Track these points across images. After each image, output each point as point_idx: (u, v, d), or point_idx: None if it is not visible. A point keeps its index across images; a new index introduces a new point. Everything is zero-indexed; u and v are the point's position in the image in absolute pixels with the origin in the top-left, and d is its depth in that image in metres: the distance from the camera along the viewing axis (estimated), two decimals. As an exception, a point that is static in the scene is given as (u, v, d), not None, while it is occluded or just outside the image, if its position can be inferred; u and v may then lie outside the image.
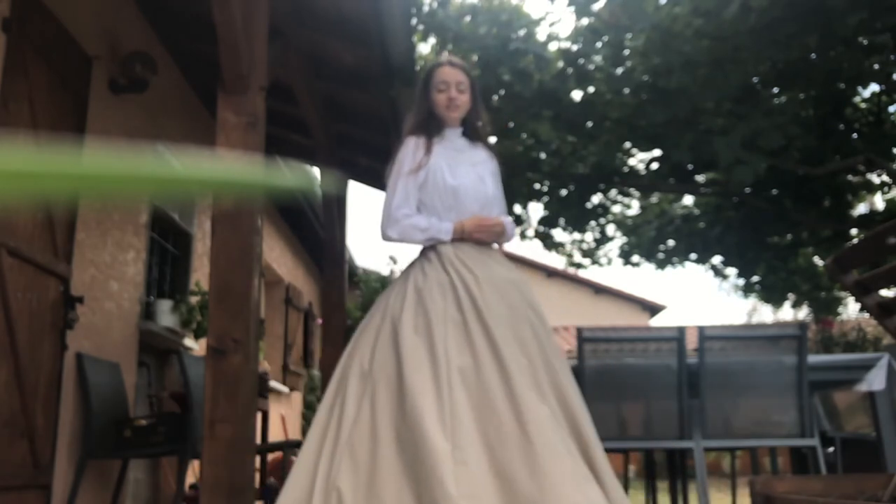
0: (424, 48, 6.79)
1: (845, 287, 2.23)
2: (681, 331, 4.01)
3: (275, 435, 7.00)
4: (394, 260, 9.86)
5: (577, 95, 6.68)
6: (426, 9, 6.33)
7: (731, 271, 8.83)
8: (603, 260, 8.98)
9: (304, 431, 8.52)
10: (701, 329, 4.04)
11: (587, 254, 8.92)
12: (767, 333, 4.61)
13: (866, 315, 7.61)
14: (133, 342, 4.59)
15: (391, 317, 2.31)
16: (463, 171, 2.52)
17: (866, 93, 7.16)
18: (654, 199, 8.76)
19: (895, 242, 1.93)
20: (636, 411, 4.26)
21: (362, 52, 4.12)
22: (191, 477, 4.59)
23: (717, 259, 8.52)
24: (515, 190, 7.25)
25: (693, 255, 8.40)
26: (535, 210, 11.02)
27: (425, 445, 1.97)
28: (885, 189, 7.61)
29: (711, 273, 8.88)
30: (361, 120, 5.07)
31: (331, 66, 4.46)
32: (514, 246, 24.08)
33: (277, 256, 8.08)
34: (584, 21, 6.35)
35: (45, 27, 3.55)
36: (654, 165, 7.37)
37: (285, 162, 5.65)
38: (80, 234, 3.90)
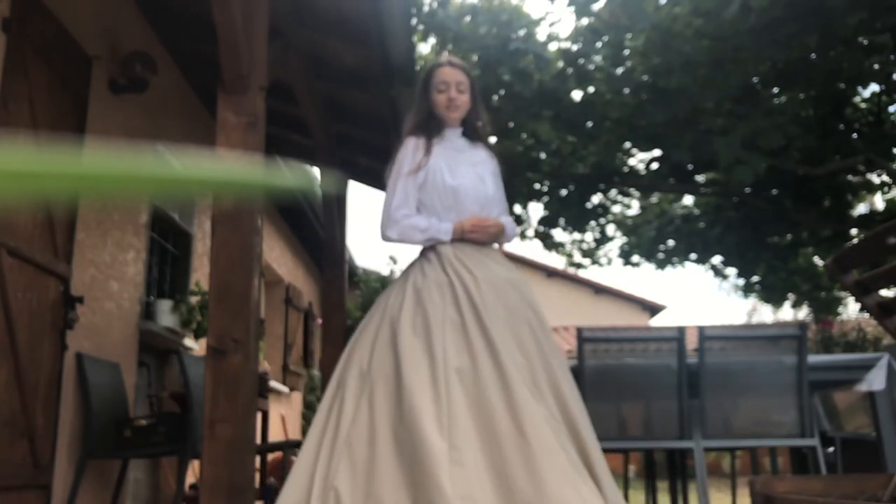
0: (424, 48, 6.79)
1: (845, 287, 2.23)
2: (681, 331, 4.01)
3: (275, 435, 7.00)
4: (394, 260, 9.88)
5: (577, 95, 6.68)
6: (426, 9, 6.33)
7: (731, 271, 8.83)
8: (603, 260, 8.98)
9: (304, 431, 8.52)
10: (701, 329, 4.04)
11: (587, 254, 8.92)
12: (767, 333, 4.61)
13: (866, 315, 7.60)
14: (133, 342, 4.59)
15: (390, 317, 2.31)
16: (463, 171, 2.52)
17: (866, 93, 7.16)
18: (654, 199, 8.76)
19: (895, 242, 1.93)
20: (636, 411, 4.26)
21: (362, 52, 4.12)
22: (191, 477, 4.59)
23: (717, 259, 8.52)
24: (515, 190, 7.25)
25: (693, 255, 8.40)
26: (535, 210, 11.02)
27: (422, 446, 1.97)
28: (885, 189, 7.61)
29: (711, 273, 8.88)
30: (361, 120, 5.08)
31: (331, 66, 4.46)
32: (514, 246, 24.09)
33: (277, 256, 8.09)
34: (584, 21, 6.35)
35: (45, 27, 3.55)
36: (654, 165, 7.37)
37: (285, 162, 5.65)
38: (80, 234, 3.90)
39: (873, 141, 6.72)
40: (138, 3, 4.50)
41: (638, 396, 4.19)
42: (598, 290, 18.26)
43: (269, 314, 8.20)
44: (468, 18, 6.47)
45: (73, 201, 3.55)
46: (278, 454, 5.13)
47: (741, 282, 9.02)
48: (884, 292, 2.20)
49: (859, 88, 6.98)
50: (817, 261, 8.63)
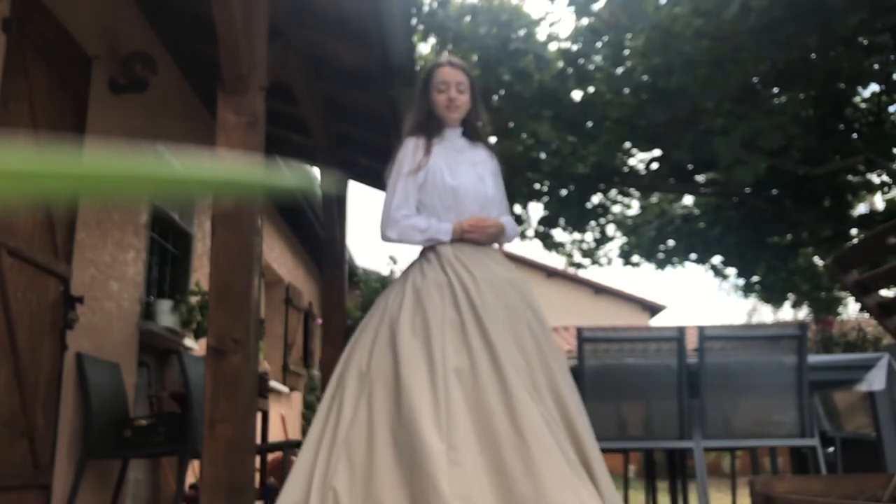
0: (424, 48, 6.79)
1: (845, 287, 2.23)
2: (681, 331, 4.01)
3: (275, 435, 7.00)
4: (394, 260, 9.88)
5: (577, 95, 6.68)
6: (426, 9, 6.33)
7: (731, 271, 8.83)
8: (603, 260, 8.98)
9: (304, 431, 8.52)
10: (701, 329, 4.04)
11: (587, 254, 8.92)
12: (767, 333, 4.61)
13: (866, 315, 7.60)
14: (133, 342, 4.59)
15: (389, 317, 2.31)
16: (463, 171, 2.52)
17: (866, 93, 7.16)
18: (654, 199, 8.76)
19: (895, 242, 1.93)
20: (636, 411, 4.26)
21: (362, 52, 4.12)
22: (191, 477, 4.59)
23: (717, 259, 8.52)
24: (515, 190, 7.24)
25: (693, 255, 8.40)
26: (535, 210, 11.02)
27: (421, 446, 1.97)
28: (885, 189, 7.61)
29: (711, 273, 8.88)
30: (361, 120, 5.08)
31: (331, 66, 4.46)
32: (514, 246, 24.09)
33: (277, 256, 8.09)
34: (584, 21, 6.35)
35: (45, 27, 3.55)
36: (654, 165, 7.37)
37: (285, 162, 5.65)
38: (80, 234, 3.90)
39: (873, 141, 6.72)
40: (138, 3, 4.50)
41: (638, 396, 4.19)
42: (598, 290, 18.26)
43: (269, 314, 8.20)
44: (468, 18, 6.47)
45: (73, 201, 3.55)
46: (278, 454, 5.13)
47: (741, 282, 9.02)
48: (884, 292, 2.20)
49: (859, 88, 6.98)
50: (817, 261, 8.63)
